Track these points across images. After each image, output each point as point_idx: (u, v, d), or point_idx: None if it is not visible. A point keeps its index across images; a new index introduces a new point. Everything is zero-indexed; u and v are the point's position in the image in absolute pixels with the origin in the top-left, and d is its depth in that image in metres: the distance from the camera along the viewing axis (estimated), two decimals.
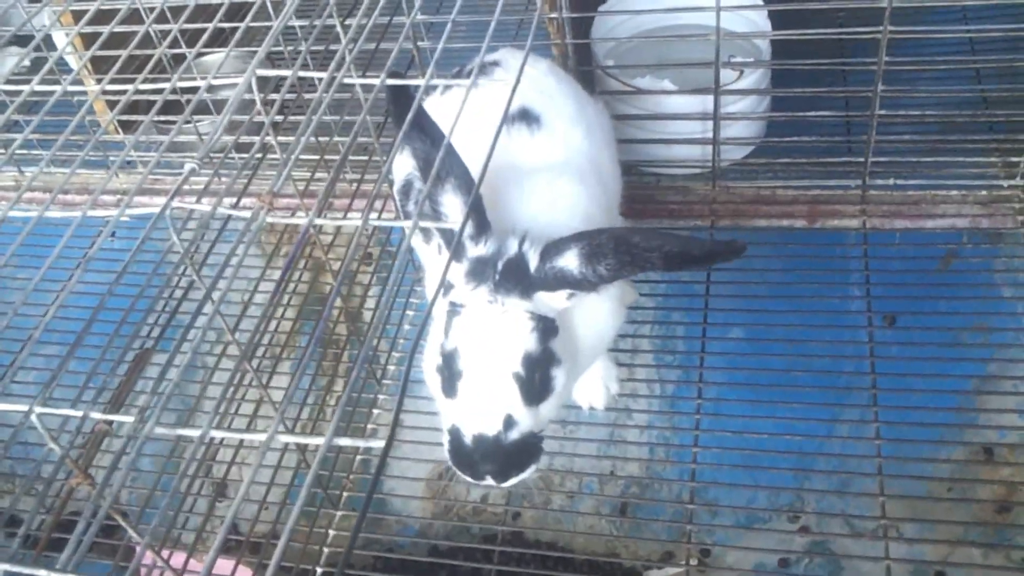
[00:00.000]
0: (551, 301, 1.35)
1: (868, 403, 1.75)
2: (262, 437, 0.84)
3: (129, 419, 0.88)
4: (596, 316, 1.49)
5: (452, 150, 1.29)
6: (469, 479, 1.39)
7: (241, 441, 1.83)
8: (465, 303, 1.34)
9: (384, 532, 1.84)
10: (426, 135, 1.31)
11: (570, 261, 1.30)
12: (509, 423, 1.34)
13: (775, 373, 1.82)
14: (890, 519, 1.61)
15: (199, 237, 1.04)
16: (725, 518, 1.76)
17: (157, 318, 1.80)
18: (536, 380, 1.34)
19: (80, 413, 0.90)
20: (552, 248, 1.33)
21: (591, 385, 1.88)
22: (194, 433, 0.87)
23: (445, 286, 1.38)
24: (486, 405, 1.34)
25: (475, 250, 1.35)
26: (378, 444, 0.82)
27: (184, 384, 1.98)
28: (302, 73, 1.25)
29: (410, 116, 1.15)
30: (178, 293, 2.03)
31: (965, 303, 1.89)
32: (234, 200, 1.75)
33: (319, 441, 0.82)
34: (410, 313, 2.09)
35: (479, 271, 1.34)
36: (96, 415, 0.91)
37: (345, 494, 1.82)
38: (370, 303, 2.14)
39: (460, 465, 1.39)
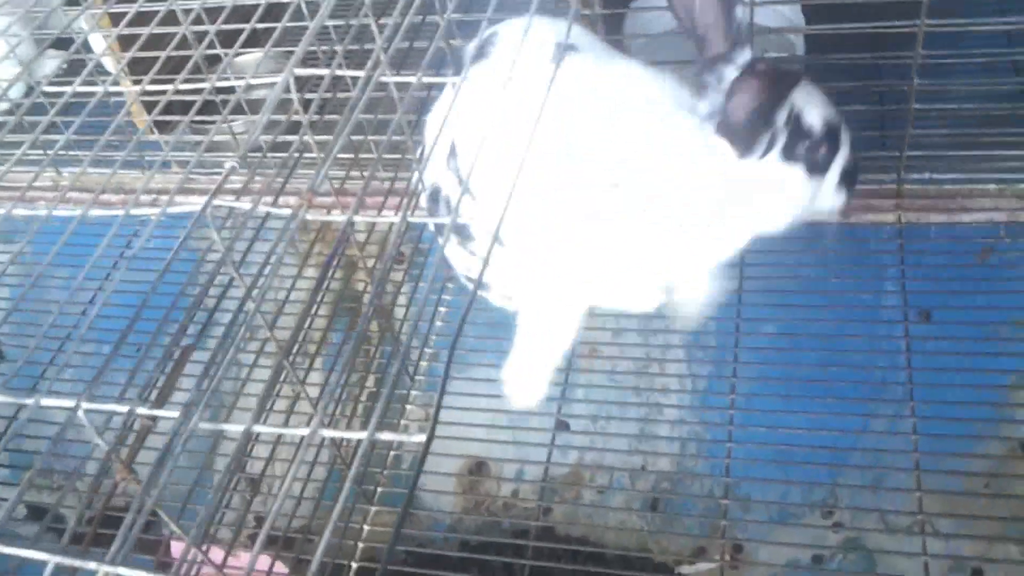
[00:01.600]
0: None
1: (904, 398, 1.74)
2: (303, 431, 0.85)
3: (174, 415, 0.89)
4: None
5: None
6: None
7: (279, 437, 1.86)
8: None
9: (415, 527, 1.85)
10: None
11: None
12: None
13: (809, 368, 1.81)
14: (927, 514, 1.60)
15: (238, 235, 1.05)
16: (758, 513, 1.75)
17: (193, 315, 1.82)
18: None
19: (126, 408, 0.92)
20: None
21: None
22: (237, 428, 0.89)
23: None
24: None
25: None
26: (419, 439, 0.83)
27: (223, 378, 2.00)
28: (339, 72, 1.26)
29: None
30: (215, 291, 2.05)
31: (1002, 297, 1.87)
32: (272, 198, 1.78)
33: (361, 436, 0.83)
34: (442, 310, 2.10)
35: None
36: (141, 410, 0.92)
37: (379, 489, 1.84)
38: (401, 300, 2.15)
39: None
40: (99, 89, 1.46)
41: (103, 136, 1.37)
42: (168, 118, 2.43)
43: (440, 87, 1.71)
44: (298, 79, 1.31)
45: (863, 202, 2.04)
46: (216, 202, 1.10)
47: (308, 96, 1.87)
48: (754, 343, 1.91)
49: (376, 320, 2.08)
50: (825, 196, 1.63)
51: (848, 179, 1.63)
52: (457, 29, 2.03)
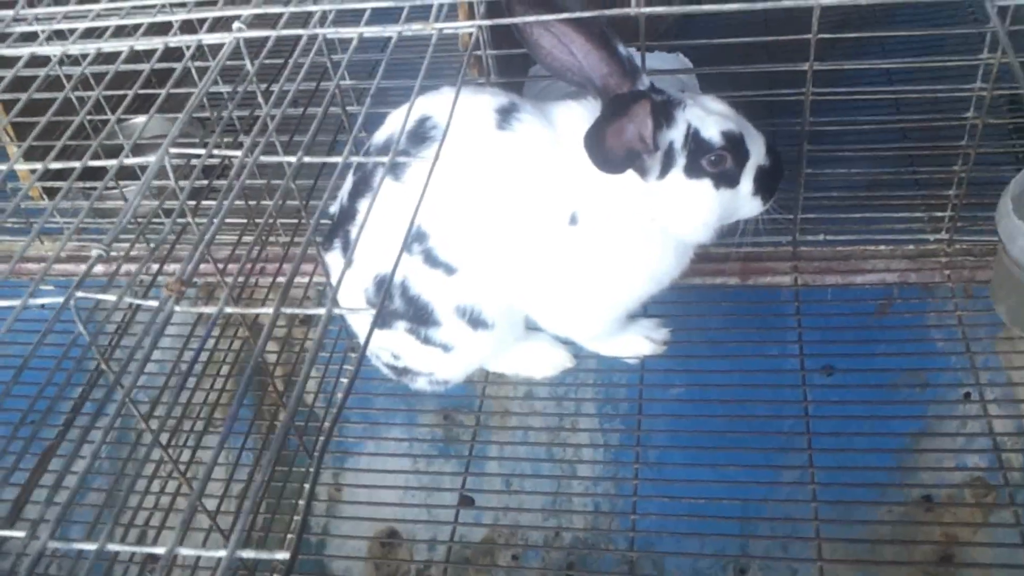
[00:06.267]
0: None
1: (806, 463, 1.74)
2: (160, 551, 0.79)
3: (20, 535, 0.83)
4: None
5: None
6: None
7: (165, 518, 1.76)
8: None
9: None
10: None
11: None
12: None
13: (715, 433, 1.81)
14: (825, 560, 1.59)
15: (101, 329, 1.00)
16: None
17: (47, 416, 1.71)
18: None
19: None
20: None
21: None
22: (90, 547, 0.83)
23: None
24: None
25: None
26: (283, 556, 0.78)
27: (113, 462, 1.90)
28: (216, 152, 1.22)
29: None
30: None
31: (899, 358, 1.90)
32: (145, 275, 1.71)
33: (220, 555, 0.78)
34: (344, 381, 2.04)
35: None
36: None
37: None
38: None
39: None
40: None
41: None
42: (58, 184, 2.33)
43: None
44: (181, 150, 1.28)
45: (761, 264, 2.07)
46: (80, 294, 1.04)
47: (194, 163, 1.82)
48: (661, 408, 1.91)
49: (279, 382, 2.00)
50: (743, 204, 1.68)
51: (764, 185, 1.67)
52: (355, 95, 2.01)
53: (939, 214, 2.03)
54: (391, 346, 1.83)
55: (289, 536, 1.73)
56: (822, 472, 1.71)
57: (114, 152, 1.41)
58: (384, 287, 1.68)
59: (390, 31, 1.35)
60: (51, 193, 2.47)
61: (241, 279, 1.57)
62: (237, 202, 1.21)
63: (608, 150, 1.49)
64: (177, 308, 1.02)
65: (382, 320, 1.75)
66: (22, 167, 1.56)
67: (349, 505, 1.85)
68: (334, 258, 1.78)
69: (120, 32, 1.70)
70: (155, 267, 1.83)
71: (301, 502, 1.80)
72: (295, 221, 2.13)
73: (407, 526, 1.86)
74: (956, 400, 1.85)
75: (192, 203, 1.97)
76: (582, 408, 1.98)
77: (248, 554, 0.78)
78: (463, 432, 1.98)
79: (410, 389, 1.97)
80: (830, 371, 1.93)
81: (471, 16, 1.74)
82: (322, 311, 0.99)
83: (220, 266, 1.62)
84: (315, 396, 2.00)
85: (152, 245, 2.14)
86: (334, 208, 1.78)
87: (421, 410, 2.03)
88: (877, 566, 1.66)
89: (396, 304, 1.72)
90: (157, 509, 1.77)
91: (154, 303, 1.02)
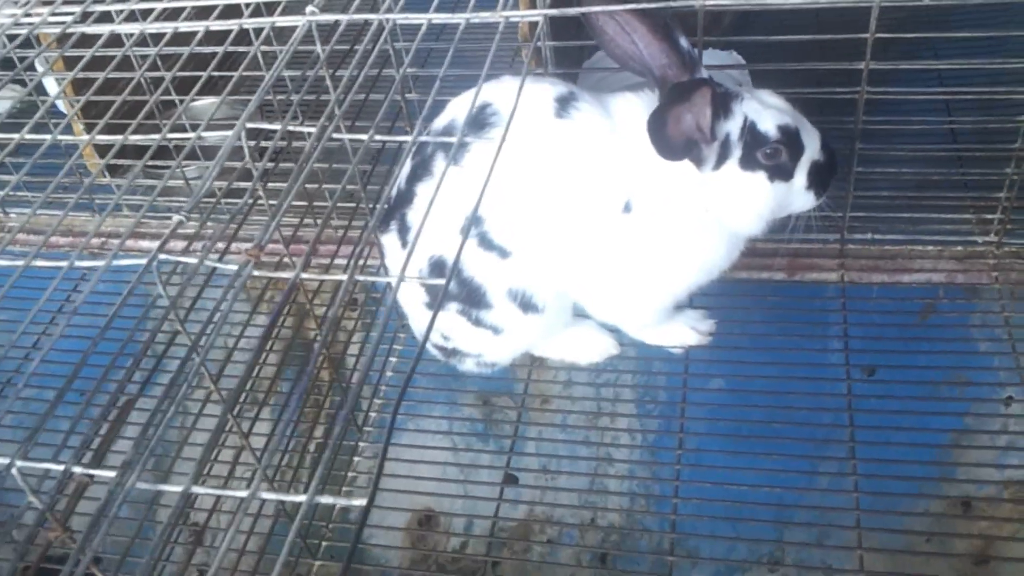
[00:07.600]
0: None
1: (847, 455, 1.77)
2: (243, 494, 0.84)
3: (110, 474, 0.88)
4: None
5: None
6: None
7: (226, 483, 1.82)
8: None
9: None
10: None
11: None
12: None
13: (756, 424, 1.84)
14: (868, 572, 1.62)
15: (184, 290, 1.05)
16: (705, 569, 1.76)
17: (133, 373, 1.79)
18: None
19: (61, 467, 0.90)
20: None
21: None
22: (175, 490, 0.88)
23: None
24: None
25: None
26: (359, 503, 0.83)
27: (167, 430, 1.97)
28: (292, 127, 1.27)
29: None
30: (164, 338, 2.02)
31: (943, 357, 1.92)
32: (222, 248, 1.78)
33: (300, 499, 0.83)
34: (393, 360, 2.10)
35: None
36: (77, 469, 0.91)
37: (324, 543, 1.81)
38: (354, 349, 2.14)
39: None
40: (48, 137, 1.45)
41: (54, 179, 1.36)
42: (121, 162, 2.41)
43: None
44: (252, 130, 1.33)
45: (807, 261, 2.09)
46: (162, 256, 1.10)
47: (263, 144, 1.88)
48: (702, 398, 1.94)
49: (327, 369, 2.07)
50: (796, 198, 1.71)
51: (818, 179, 1.70)
52: (412, 83, 2.06)
53: (988, 216, 2.04)
54: (442, 326, 1.88)
55: (354, 476, 1.77)
56: (863, 464, 1.74)
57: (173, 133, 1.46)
58: (448, 269, 1.74)
59: (458, 18, 1.39)
60: (114, 170, 2.55)
61: (300, 255, 1.63)
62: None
63: (668, 136, 1.53)
64: (255, 272, 1.07)
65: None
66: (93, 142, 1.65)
67: (390, 479, 1.89)
68: (390, 240, 1.83)
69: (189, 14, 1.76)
70: (222, 246, 1.90)
71: (351, 473, 1.85)
72: (352, 205, 2.19)
73: (445, 505, 1.90)
74: (998, 400, 1.86)
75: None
76: (622, 395, 2.01)
77: (327, 499, 0.83)
78: (503, 416, 2.02)
79: (454, 371, 2.02)
80: (872, 370, 1.94)
81: (533, 6, 1.77)
82: (393, 279, 1.04)
83: (288, 234, 1.68)
84: (364, 374, 2.05)
85: (212, 225, 2.21)
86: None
87: (462, 390, 2.07)
88: (915, 557, 1.67)
89: (449, 285, 1.76)
90: (211, 476, 1.83)
91: (233, 267, 1.07)
